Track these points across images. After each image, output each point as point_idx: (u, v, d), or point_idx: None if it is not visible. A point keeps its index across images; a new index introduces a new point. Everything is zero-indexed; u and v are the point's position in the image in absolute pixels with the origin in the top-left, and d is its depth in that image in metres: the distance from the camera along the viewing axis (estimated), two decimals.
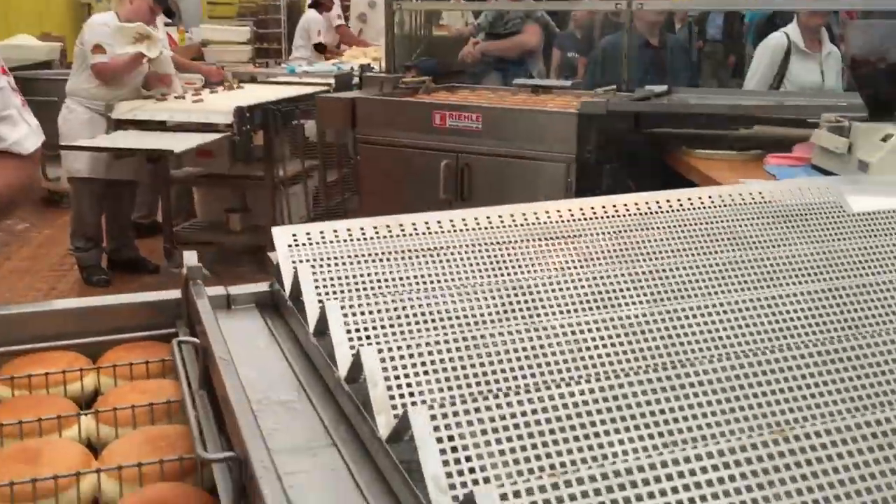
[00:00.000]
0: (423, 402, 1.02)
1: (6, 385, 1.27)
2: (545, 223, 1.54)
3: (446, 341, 1.11)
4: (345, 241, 1.46)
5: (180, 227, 5.80)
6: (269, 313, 1.49)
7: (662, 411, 0.95)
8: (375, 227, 1.49)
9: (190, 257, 1.37)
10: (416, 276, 1.36)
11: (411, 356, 1.09)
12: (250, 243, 5.45)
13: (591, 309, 1.25)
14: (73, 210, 5.45)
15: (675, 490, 0.79)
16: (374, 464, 1.01)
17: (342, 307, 1.21)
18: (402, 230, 1.50)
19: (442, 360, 1.09)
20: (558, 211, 1.57)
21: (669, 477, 0.80)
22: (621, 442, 0.92)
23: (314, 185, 5.77)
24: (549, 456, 0.89)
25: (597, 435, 0.93)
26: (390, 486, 0.96)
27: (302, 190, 5.68)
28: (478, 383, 1.07)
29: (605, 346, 1.14)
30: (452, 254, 1.41)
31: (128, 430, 1.17)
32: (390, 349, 1.09)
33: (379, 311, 1.22)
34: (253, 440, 0.90)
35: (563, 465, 0.88)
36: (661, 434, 0.92)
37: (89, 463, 1.09)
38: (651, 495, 0.79)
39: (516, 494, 0.77)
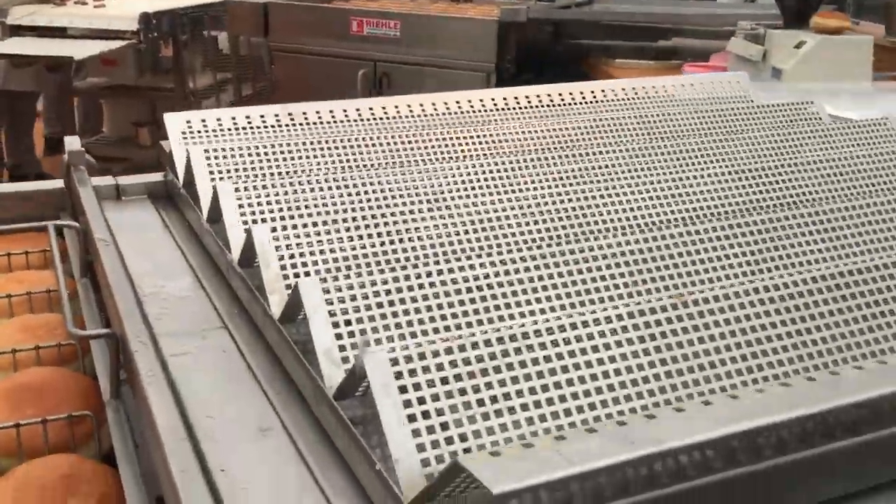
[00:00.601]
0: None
1: None
2: (446, 114, 1.49)
3: (344, 220, 1.06)
4: (243, 128, 1.39)
5: (87, 141, 5.53)
6: (161, 204, 1.40)
7: (565, 284, 0.93)
8: (277, 115, 1.42)
9: (72, 142, 1.27)
10: (315, 163, 1.29)
11: (307, 235, 1.04)
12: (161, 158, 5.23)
13: (497, 192, 1.21)
14: None
15: (571, 353, 0.77)
16: (267, 345, 0.96)
17: (235, 189, 1.14)
18: (306, 118, 1.43)
19: (340, 240, 1.04)
20: (458, 102, 1.52)
21: (567, 341, 0.78)
22: (521, 310, 0.89)
23: (228, 99, 5.56)
24: (444, 322, 0.86)
25: (497, 307, 0.90)
26: (283, 365, 0.91)
27: (214, 104, 5.45)
28: (377, 261, 1.02)
29: (509, 225, 1.10)
30: (356, 142, 1.34)
31: (3, 320, 1.09)
32: (284, 228, 1.03)
33: (275, 194, 1.15)
34: (130, 317, 0.84)
35: (458, 327, 0.85)
36: (561, 302, 0.90)
37: None
38: (547, 358, 0.76)
39: (408, 359, 0.74)
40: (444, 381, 0.73)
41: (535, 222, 1.12)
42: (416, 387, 0.73)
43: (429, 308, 0.88)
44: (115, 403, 0.85)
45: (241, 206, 1.13)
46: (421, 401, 0.72)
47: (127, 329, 0.81)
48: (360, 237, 1.05)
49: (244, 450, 0.77)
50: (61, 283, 0.95)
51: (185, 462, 0.62)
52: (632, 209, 1.16)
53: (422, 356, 0.74)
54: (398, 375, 0.73)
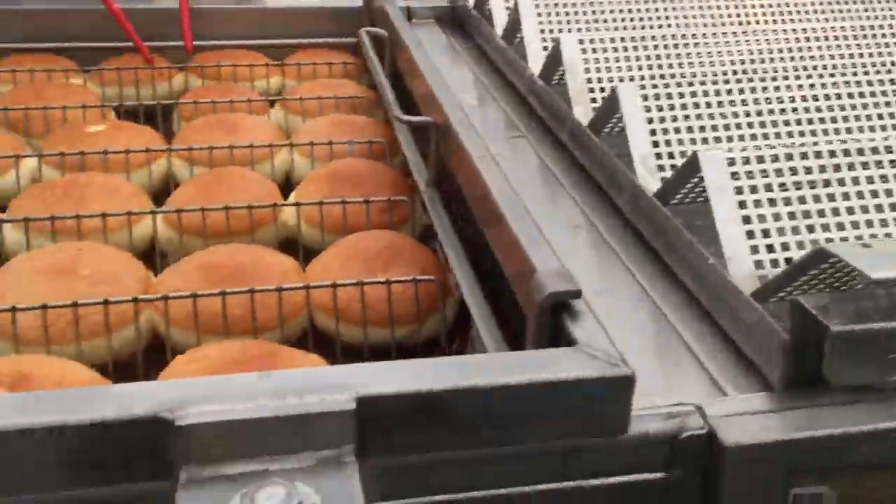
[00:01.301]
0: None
1: (196, 74, 1.29)
2: None
3: (653, 37, 1.02)
4: None
5: None
6: (448, 28, 1.42)
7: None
8: None
9: None
10: None
11: (614, 49, 1.01)
12: None
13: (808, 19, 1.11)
14: None
15: None
16: (568, 156, 0.96)
17: (535, 4, 1.13)
18: None
19: (647, 57, 1.01)
20: None
21: None
22: (858, 123, 0.82)
23: None
24: (776, 129, 0.81)
25: (825, 131, 0.84)
26: (592, 177, 0.91)
27: None
28: (690, 83, 0.98)
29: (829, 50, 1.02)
30: None
31: (315, 118, 1.17)
32: (591, 41, 1.01)
33: (574, 13, 1.13)
34: (451, 106, 0.86)
35: (790, 135, 0.80)
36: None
37: (277, 136, 1.09)
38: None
39: (745, 160, 0.71)
40: (783, 186, 0.70)
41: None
42: (753, 189, 0.70)
43: (750, 124, 0.84)
44: (430, 192, 0.89)
45: (540, 21, 1.12)
46: (757, 203, 0.69)
47: (450, 116, 0.84)
48: (668, 56, 1.01)
49: (560, 240, 0.78)
50: (383, 83, 0.99)
51: (526, 227, 0.64)
52: None
53: (760, 159, 0.71)
54: (734, 176, 0.70)
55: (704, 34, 1.02)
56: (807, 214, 0.69)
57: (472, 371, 0.49)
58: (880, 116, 0.85)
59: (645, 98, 0.85)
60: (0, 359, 0.67)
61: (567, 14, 1.13)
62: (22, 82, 1.21)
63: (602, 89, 0.98)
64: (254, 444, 0.46)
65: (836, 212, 0.69)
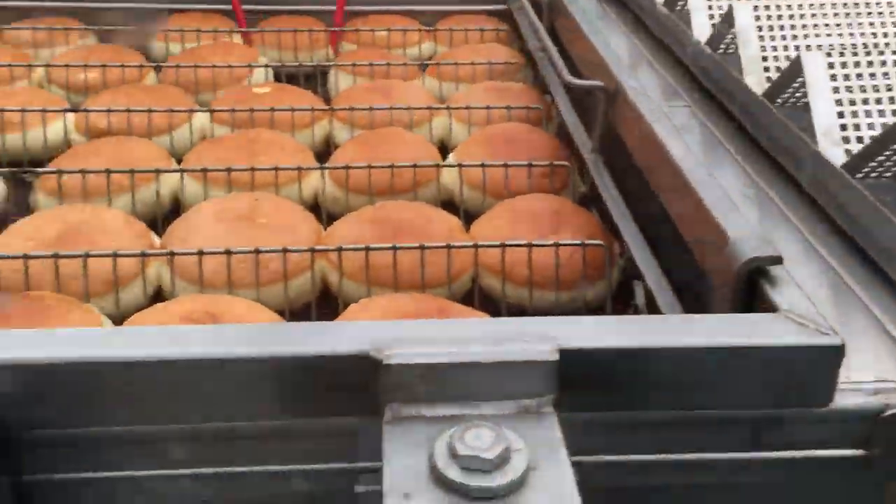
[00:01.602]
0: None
1: (351, 41, 1.31)
2: None
3: (832, 3, 0.97)
4: None
5: None
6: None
7: None
8: None
9: None
10: None
11: (790, 17, 0.96)
12: None
13: None
14: None
15: None
16: (735, 124, 0.93)
17: None
18: None
19: (826, 25, 0.96)
20: None
21: None
22: None
23: None
24: None
25: None
26: (762, 148, 0.88)
27: None
28: (881, 51, 0.93)
29: None
30: None
31: (470, 85, 1.17)
32: (767, 7, 0.97)
33: None
34: (622, 70, 0.85)
35: None
36: None
37: (431, 101, 1.10)
38: None
39: None
40: None
41: None
42: None
43: None
44: (595, 157, 0.88)
45: None
46: None
47: (622, 81, 0.82)
48: (850, 24, 0.96)
49: None
50: (549, 46, 0.98)
51: (714, 192, 0.62)
52: None
53: None
54: None
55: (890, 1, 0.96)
56: None
57: (675, 330, 0.49)
58: None
59: (831, 66, 0.81)
60: (188, 298, 0.70)
61: None
62: (188, 42, 1.26)
63: (776, 58, 0.94)
64: (456, 387, 0.46)
65: None
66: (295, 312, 0.76)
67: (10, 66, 1.12)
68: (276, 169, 0.89)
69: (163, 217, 0.88)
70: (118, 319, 0.72)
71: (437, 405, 0.46)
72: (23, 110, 0.98)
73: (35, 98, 1.05)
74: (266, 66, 1.20)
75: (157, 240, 0.82)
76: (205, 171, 0.88)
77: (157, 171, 0.89)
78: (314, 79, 1.20)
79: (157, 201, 0.89)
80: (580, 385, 0.48)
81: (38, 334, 0.50)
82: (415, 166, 0.90)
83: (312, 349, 0.47)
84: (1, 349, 0.46)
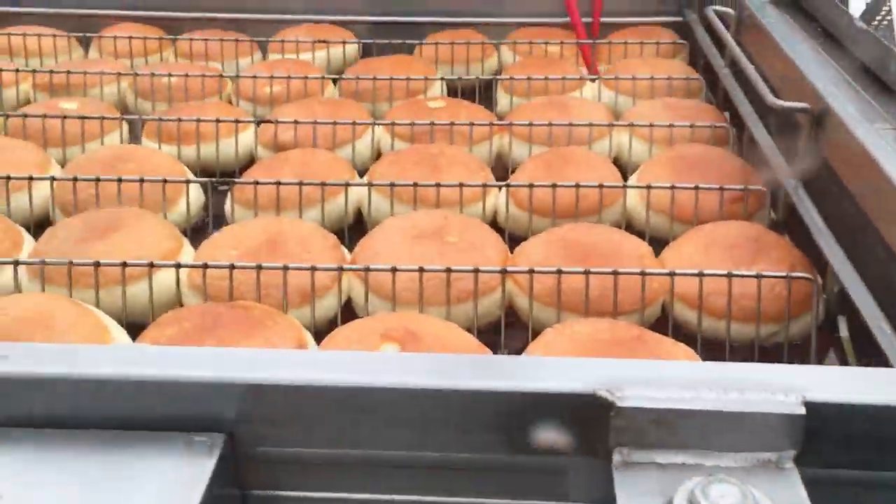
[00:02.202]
0: None
1: (510, 48, 1.31)
2: None
3: None
4: None
5: None
6: (784, 8, 1.33)
7: None
8: None
9: None
10: None
11: None
12: None
13: None
14: None
15: None
16: None
17: None
18: None
19: None
20: None
21: None
22: None
23: None
24: None
25: None
26: None
27: None
28: None
29: None
30: None
31: (648, 100, 1.14)
32: None
33: None
34: (830, 91, 0.80)
35: None
36: None
37: (608, 117, 1.08)
38: None
39: None
40: None
41: None
42: None
43: None
44: (795, 182, 0.84)
45: None
46: None
47: (831, 102, 0.78)
48: None
49: None
50: (745, 63, 0.93)
51: None
52: None
53: None
54: None
55: None
56: None
57: None
58: None
59: None
60: (385, 315, 0.71)
61: None
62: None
63: None
64: (691, 435, 0.44)
65: None
66: (480, 330, 0.76)
67: (202, 76, 1.17)
68: (462, 186, 0.89)
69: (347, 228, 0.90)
70: (310, 330, 0.74)
71: (671, 452, 0.44)
72: (217, 121, 1.03)
73: (225, 111, 1.10)
74: (441, 78, 1.21)
75: (346, 252, 0.84)
76: (392, 185, 0.89)
77: (347, 185, 0.90)
78: (476, 92, 1.20)
79: (344, 213, 0.91)
80: (825, 440, 0.45)
81: (268, 354, 0.51)
82: (601, 187, 0.88)
83: (537, 385, 0.46)
84: (233, 368, 0.48)
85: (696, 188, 0.87)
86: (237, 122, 1.04)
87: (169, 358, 0.48)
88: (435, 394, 0.46)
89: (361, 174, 0.99)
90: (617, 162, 1.03)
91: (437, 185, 0.89)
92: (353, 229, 0.92)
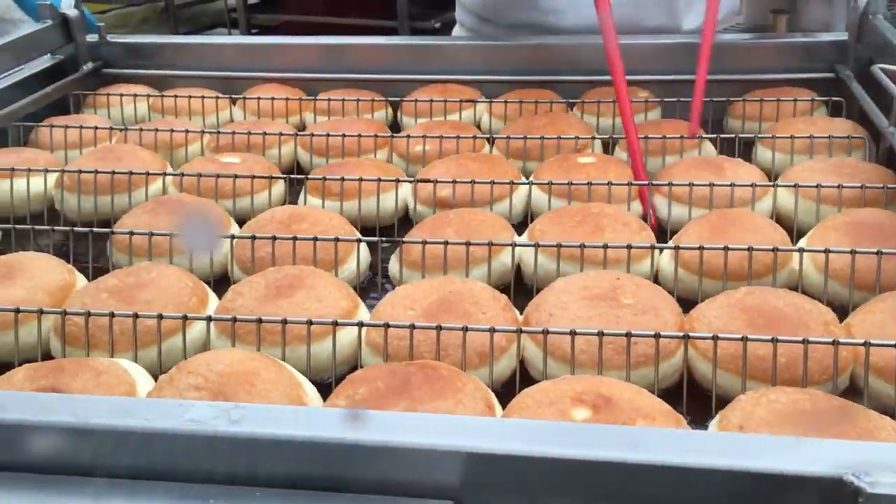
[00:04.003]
0: None
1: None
2: None
3: None
4: None
5: None
6: None
7: None
8: None
9: None
10: None
11: None
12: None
13: None
14: None
15: None
16: None
17: None
18: None
19: None
20: None
21: None
22: None
23: None
24: None
25: None
26: None
27: None
28: None
29: None
30: None
31: (804, 158, 1.12)
32: None
33: None
34: None
35: None
36: None
37: (763, 177, 1.06)
38: None
39: None
40: None
41: None
42: None
43: None
44: None
45: None
46: None
47: None
48: None
49: None
50: None
51: None
52: None
53: None
54: None
55: None
56: None
57: None
58: None
59: None
60: (571, 378, 0.71)
61: None
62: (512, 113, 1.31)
63: None
64: None
65: None
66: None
67: (359, 136, 1.21)
68: (630, 247, 0.88)
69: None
70: None
71: None
72: (379, 180, 1.06)
73: (379, 168, 1.12)
74: (594, 137, 1.22)
75: (517, 313, 0.84)
76: (559, 245, 0.89)
77: (514, 245, 0.91)
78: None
79: (508, 271, 0.92)
80: None
81: (489, 423, 0.52)
82: (775, 250, 0.86)
83: (781, 466, 0.45)
84: (456, 436, 0.49)
85: (879, 253, 0.84)
86: (397, 181, 1.07)
87: (398, 425, 0.49)
88: (668, 471, 0.46)
89: (516, 229, 1.00)
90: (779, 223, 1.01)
91: (605, 245, 0.88)
92: (515, 287, 0.92)
